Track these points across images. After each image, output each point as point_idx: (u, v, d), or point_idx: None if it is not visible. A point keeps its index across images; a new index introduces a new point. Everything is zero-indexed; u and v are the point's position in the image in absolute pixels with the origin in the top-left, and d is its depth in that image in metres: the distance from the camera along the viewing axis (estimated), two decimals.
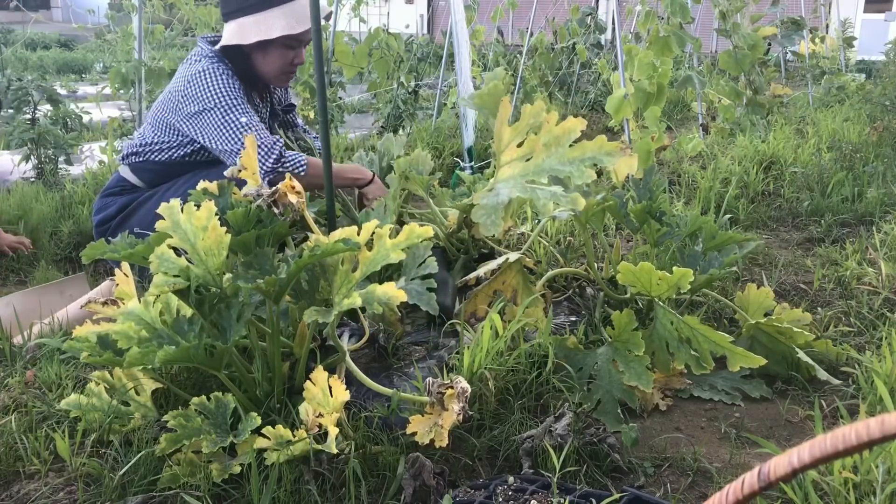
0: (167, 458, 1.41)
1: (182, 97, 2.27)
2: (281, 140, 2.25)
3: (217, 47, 2.33)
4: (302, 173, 2.20)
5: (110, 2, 6.21)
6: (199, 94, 2.23)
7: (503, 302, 1.86)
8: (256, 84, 2.43)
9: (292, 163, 2.23)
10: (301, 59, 2.37)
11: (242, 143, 2.18)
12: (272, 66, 2.35)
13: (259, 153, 2.19)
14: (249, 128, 2.21)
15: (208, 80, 2.23)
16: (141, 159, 2.41)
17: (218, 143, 2.23)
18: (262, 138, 2.20)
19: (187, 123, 2.27)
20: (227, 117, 2.21)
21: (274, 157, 2.20)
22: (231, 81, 2.26)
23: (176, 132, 2.33)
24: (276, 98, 2.58)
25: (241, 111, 2.23)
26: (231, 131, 2.21)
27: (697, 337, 1.72)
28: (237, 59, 2.33)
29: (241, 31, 2.27)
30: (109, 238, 2.17)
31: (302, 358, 1.55)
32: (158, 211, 1.50)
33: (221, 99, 2.22)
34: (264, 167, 2.18)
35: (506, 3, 7.69)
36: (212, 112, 2.22)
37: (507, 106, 1.85)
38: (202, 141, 2.27)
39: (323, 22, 2.11)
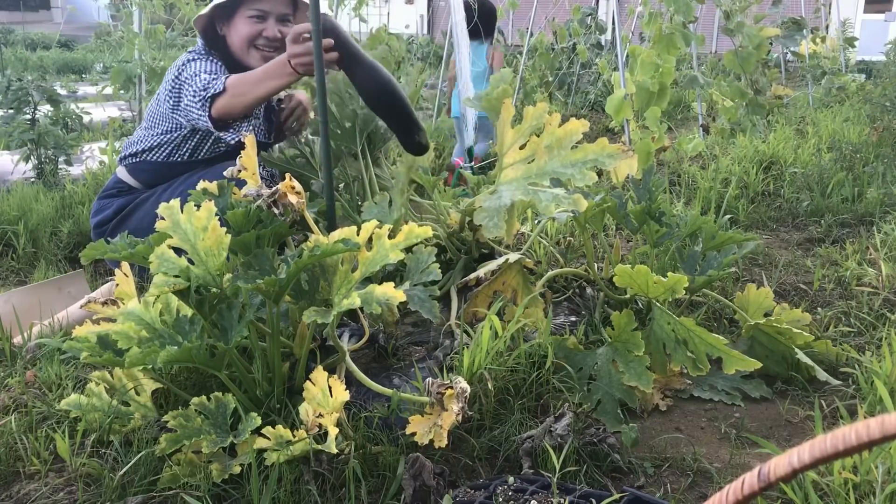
0: (167, 459, 1.41)
1: (170, 88, 2.30)
2: (216, 77, 2.20)
3: (198, 29, 2.38)
4: (220, 90, 2.13)
5: (110, 1, 6.21)
6: (179, 81, 2.26)
7: (503, 302, 1.86)
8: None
9: (213, 91, 2.15)
10: (271, 33, 2.34)
11: (204, 91, 2.16)
12: (239, 37, 2.33)
13: (195, 106, 2.18)
14: (208, 77, 2.19)
15: (188, 64, 2.27)
16: (138, 160, 2.42)
17: (191, 106, 2.21)
18: (200, 87, 2.17)
19: (178, 112, 2.29)
20: (194, 81, 2.21)
21: (199, 100, 2.16)
22: (209, 66, 2.27)
23: (170, 121, 2.35)
24: None
25: (205, 69, 2.23)
26: (192, 90, 2.19)
27: (693, 339, 1.72)
28: (216, 43, 2.36)
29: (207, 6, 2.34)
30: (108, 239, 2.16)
31: (302, 358, 1.55)
32: (158, 211, 1.50)
33: (193, 71, 2.24)
34: (199, 114, 2.17)
35: (506, 4, 7.69)
36: (187, 85, 2.23)
37: (510, 108, 1.86)
38: (186, 120, 2.27)
39: None
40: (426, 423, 1.39)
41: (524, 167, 1.79)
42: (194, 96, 2.19)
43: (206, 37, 2.38)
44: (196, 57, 2.31)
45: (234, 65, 2.36)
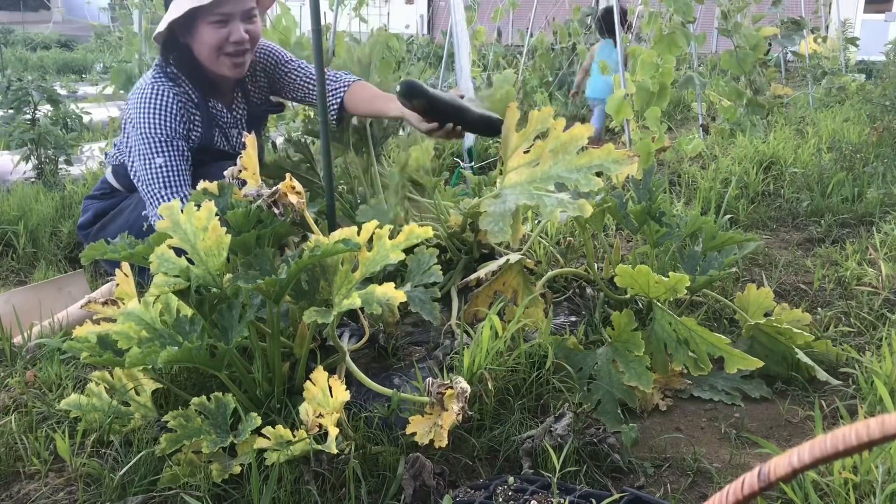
0: (167, 459, 1.41)
1: (129, 107, 2.19)
2: (177, 193, 2.10)
3: (159, 45, 2.20)
4: None
5: (111, 1, 6.22)
6: (135, 112, 2.15)
7: (503, 302, 1.86)
8: (218, 85, 2.28)
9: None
10: (238, 36, 2.13)
11: (155, 186, 2.09)
12: (206, 47, 2.14)
13: (149, 199, 2.12)
14: (162, 170, 2.09)
15: (143, 101, 2.13)
16: (117, 161, 2.36)
17: (136, 175, 2.14)
18: (167, 188, 2.09)
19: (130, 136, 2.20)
20: (145, 153, 2.10)
21: (155, 202, 2.09)
22: (165, 105, 2.13)
23: None
24: (254, 98, 2.43)
25: (158, 150, 2.10)
26: (145, 170, 2.10)
27: (695, 338, 1.72)
28: (180, 57, 2.19)
29: (163, 21, 2.14)
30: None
31: (302, 358, 1.55)
32: (159, 211, 1.50)
33: (147, 128, 2.11)
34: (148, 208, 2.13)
35: (507, 3, 7.69)
36: (138, 139, 2.13)
37: (515, 111, 1.85)
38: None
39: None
40: (426, 423, 1.39)
41: (528, 171, 1.78)
42: (157, 195, 2.08)
43: (166, 49, 2.18)
44: (152, 96, 2.12)
45: (202, 76, 2.21)
